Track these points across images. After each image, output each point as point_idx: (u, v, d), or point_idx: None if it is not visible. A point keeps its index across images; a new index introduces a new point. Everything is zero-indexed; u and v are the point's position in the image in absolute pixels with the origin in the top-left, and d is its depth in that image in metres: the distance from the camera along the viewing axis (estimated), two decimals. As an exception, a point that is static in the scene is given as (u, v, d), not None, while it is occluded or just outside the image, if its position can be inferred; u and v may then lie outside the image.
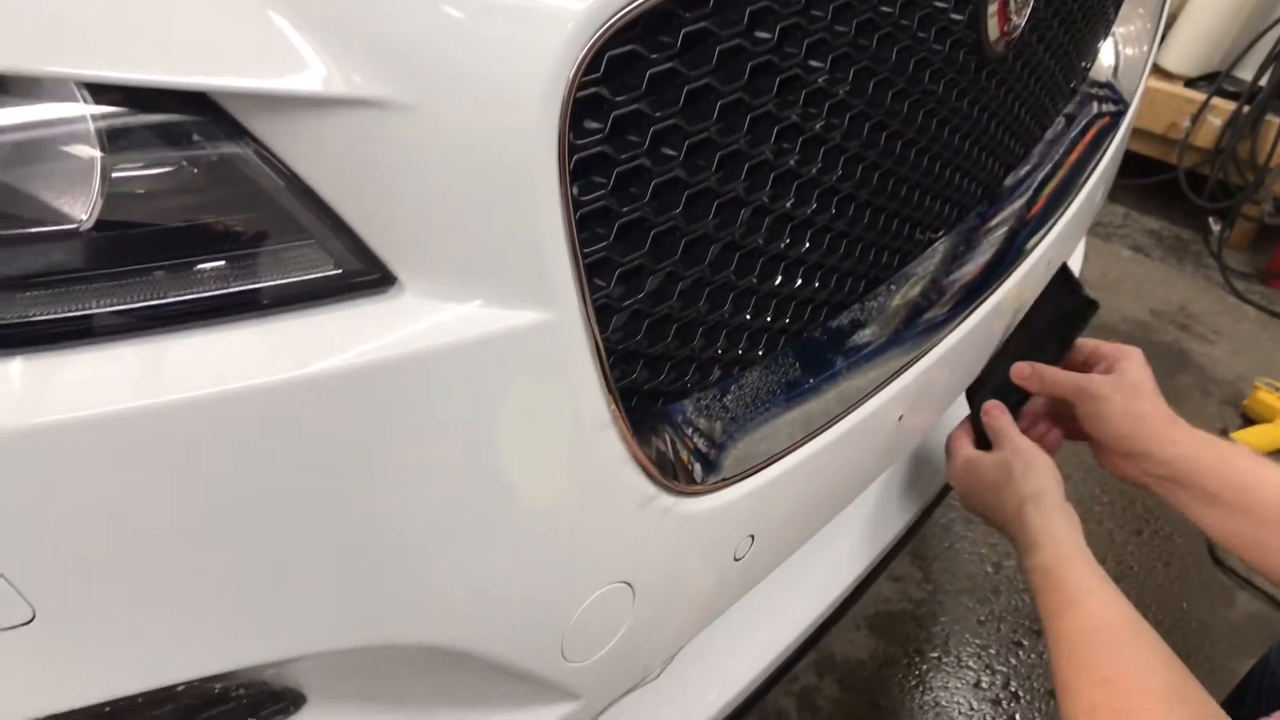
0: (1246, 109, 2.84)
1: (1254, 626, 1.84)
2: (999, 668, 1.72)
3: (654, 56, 0.60)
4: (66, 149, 0.49)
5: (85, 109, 0.49)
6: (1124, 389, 1.07)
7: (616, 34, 0.55)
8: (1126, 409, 1.05)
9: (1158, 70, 3.03)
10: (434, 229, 0.53)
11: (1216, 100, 2.91)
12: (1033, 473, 1.02)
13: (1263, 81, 2.83)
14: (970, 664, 1.72)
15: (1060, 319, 1.29)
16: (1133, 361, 1.11)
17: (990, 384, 1.18)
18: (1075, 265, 1.69)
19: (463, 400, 0.56)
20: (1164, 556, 1.97)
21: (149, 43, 0.48)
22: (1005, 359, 1.18)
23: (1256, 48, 2.87)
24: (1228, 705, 1.20)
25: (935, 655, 1.74)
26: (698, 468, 0.71)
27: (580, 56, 0.53)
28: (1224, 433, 2.23)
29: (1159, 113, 2.98)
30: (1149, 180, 3.11)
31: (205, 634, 0.54)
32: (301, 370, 0.51)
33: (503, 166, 0.53)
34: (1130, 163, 2.57)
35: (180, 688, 0.56)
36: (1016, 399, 1.19)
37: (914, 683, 1.69)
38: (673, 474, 0.69)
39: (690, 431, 0.72)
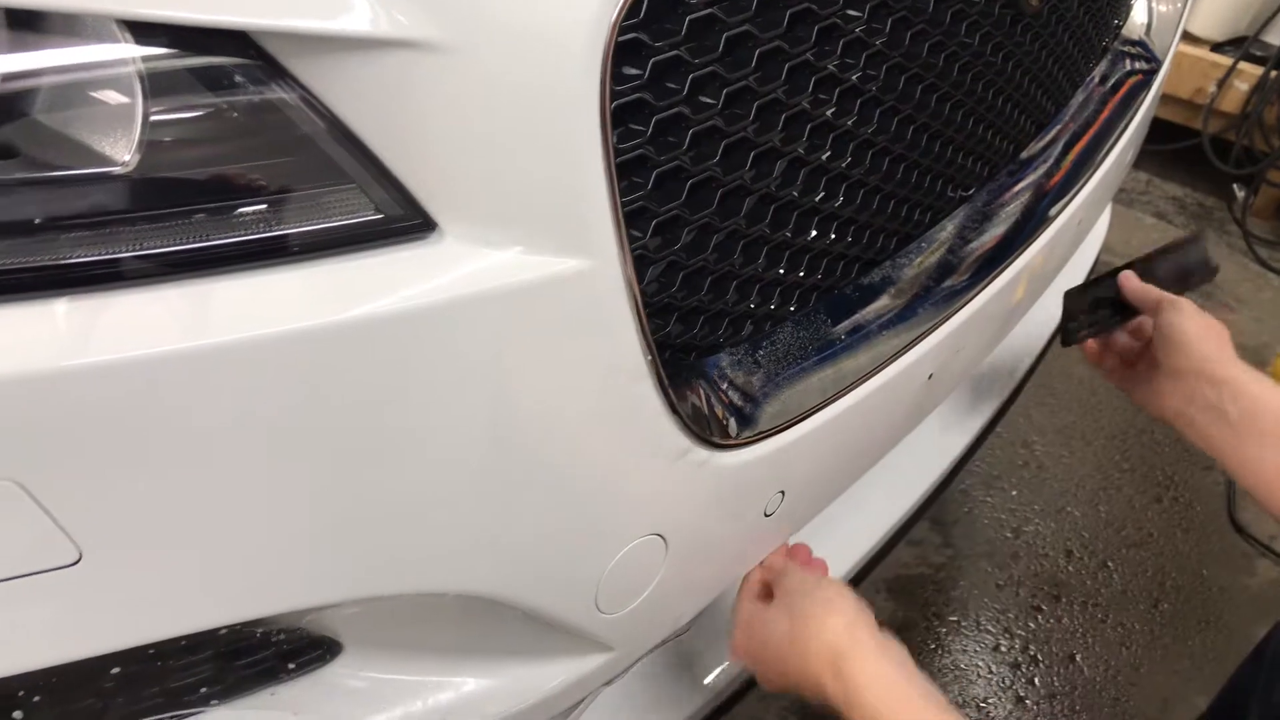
0: (1274, 74, 2.80)
1: (1274, 593, 1.84)
2: (1018, 632, 1.72)
3: (693, 1, 0.59)
4: (108, 91, 0.49)
5: (127, 50, 0.49)
6: (1201, 313, 1.03)
7: (658, -24, 0.55)
8: (1203, 323, 1.01)
9: (1184, 34, 2.99)
10: (474, 175, 0.53)
11: (1243, 65, 2.87)
12: (834, 609, 0.79)
13: (1291, 46, 2.78)
14: (989, 628, 1.73)
15: (1180, 272, 1.22)
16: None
17: (1093, 294, 1.15)
18: (1100, 230, 1.68)
19: (502, 347, 0.56)
20: (1184, 523, 1.97)
21: (191, -19, 0.47)
22: (1112, 277, 1.14)
23: (1285, 12, 2.83)
24: (1245, 666, 1.20)
25: (954, 619, 1.74)
26: (732, 422, 0.71)
27: (622, -1, 0.53)
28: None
29: (1184, 77, 2.94)
30: (1173, 146, 3.07)
31: (247, 578, 0.54)
32: (343, 314, 0.51)
33: (544, 111, 0.53)
34: (1154, 128, 2.54)
35: (222, 631, 0.56)
36: (1108, 316, 1.13)
37: (933, 646, 1.69)
38: (707, 427, 0.69)
39: (725, 385, 0.72)
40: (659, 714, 0.96)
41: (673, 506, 0.71)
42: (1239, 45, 2.93)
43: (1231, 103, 2.91)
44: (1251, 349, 2.46)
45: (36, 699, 0.54)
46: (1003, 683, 1.65)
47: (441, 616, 0.66)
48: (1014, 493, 2.00)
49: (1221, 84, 2.89)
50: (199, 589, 0.53)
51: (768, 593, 0.87)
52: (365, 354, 0.52)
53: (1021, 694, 1.63)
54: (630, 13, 0.55)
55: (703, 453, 0.69)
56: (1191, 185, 3.18)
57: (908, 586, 1.78)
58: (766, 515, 0.82)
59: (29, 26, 0.48)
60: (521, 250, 0.55)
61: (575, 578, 0.67)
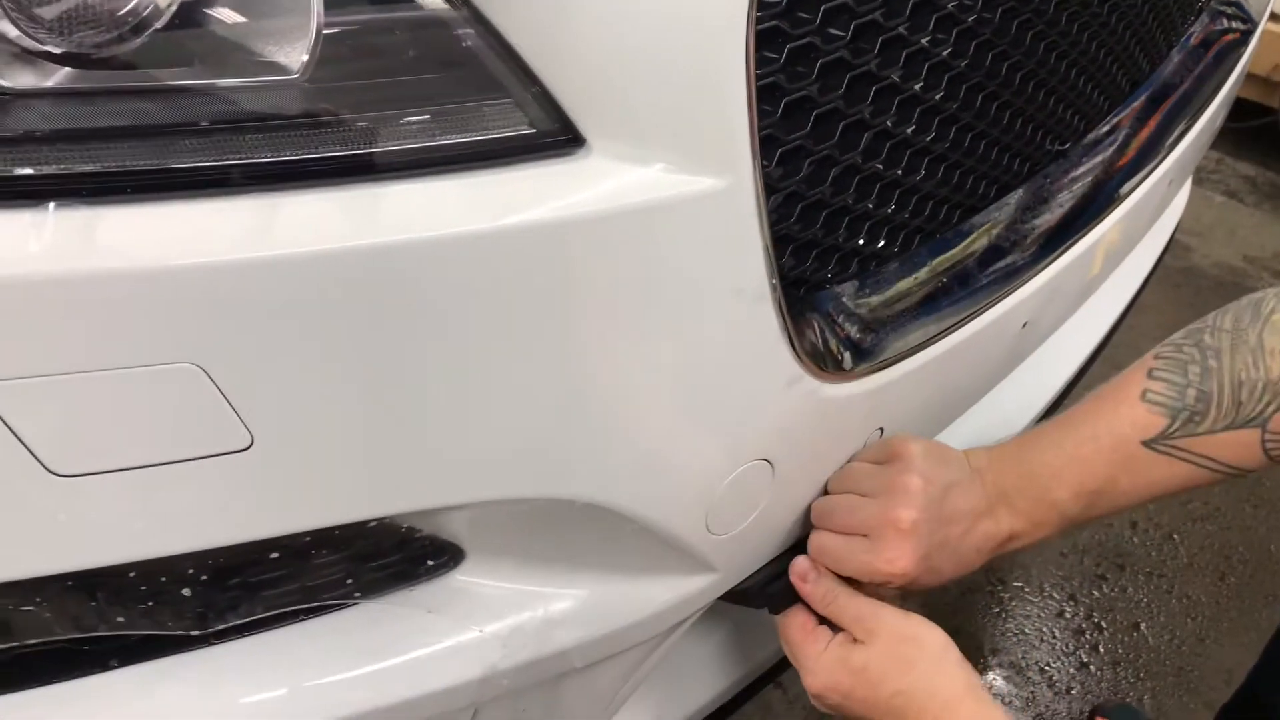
0: (1355, 51, 2.75)
1: (1344, 571, 1.83)
2: (1082, 599, 1.73)
3: (831, -67, 0.61)
4: (286, 3, 0.52)
5: (303, -37, 0.51)
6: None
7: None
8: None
9: (1262, 10, 2.93)
10: (624, 92, 0.55)
11: (1323, 41, 2.81)
12: (948, 661, 0.75)
13: (1374, 22, 2.72)
14: (1054, 595, 1.74)
15: None
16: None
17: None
18: (1180, 203, 1.66)
19: (640, 260, 0.58)
20: (1252, 499, 1.95)
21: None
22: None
23: (1369, -13, 2.76)
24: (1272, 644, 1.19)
25: (1018, 585, 1.75)
26: (847, 355, 0.73)
27: (772, -77, 0.54)
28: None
29: (1261, 53, 2.88)
30: (1246, 124, 3.02)
31: (400, 473, 0.57)
32: (497, 222, 0.53)
33: (696, 32, 0.55)
34: (1230, 104, 2.50)
35: (373, 524, 0.59)
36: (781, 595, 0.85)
37: (997, 610, 1.70)
38: (818, 357, 0.71)
39: (838, 317, 0.73)
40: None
41: (782, 433, 0.73)
42: (1319, 21, 2.87)
43: (1310, 80, 2.86)
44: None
45: (205, 578, 0.57)
46: (1066, 648, 1.66)
47: (562, 528, 0.69)
48: (1079, 464, 1.99)
49: (1300, 61, 2.84)
50: (356, 480, 0.56)
51: (824, 623, 0.81)
52: (515, 261, 0.55)
53: (1085, 659, 1.64)
54: (775, -60, 0.56)
55: (813, 382, 0.71)
56: (1265, 165, 3.13)
57: (972, 551, 1.79)
58: (864, 452, 0.84)
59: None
60: (664, 168, 0.57)
61: (691, 496, 0.69)
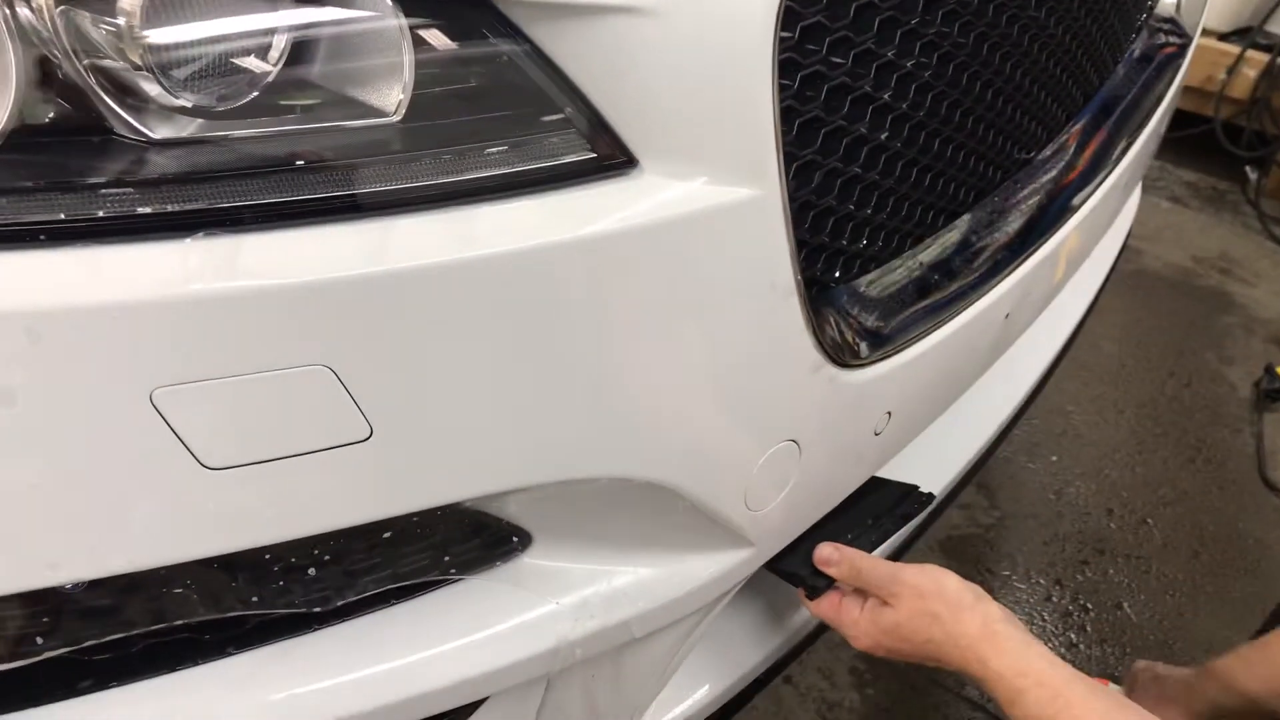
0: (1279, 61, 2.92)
1: (1308, 544, 1.95)
2: (1067, 583, 1.83)
3: (832, -24, 0.71)
4: (382, 53, 0.60)
5: (398, 19, 0.60)
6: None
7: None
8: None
9: (1192, 25, 3.11)
10: (671, 118, 0.64)
11: (1251, 53, 2.99)
12: (964, 605, 0.88)
13: (1295, 33, 2.91)
14: (1040, 580, 1.83)
15: (886, 507, 1.06)
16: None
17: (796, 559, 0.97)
18: (1132, 206, 1.79)
19: (688, 263, 0.67)
20: (1218, 481, 2.07)
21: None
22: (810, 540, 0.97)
23: (1289, 0, 2.95)
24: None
25: (1006, 573, 1.85)
26: (862, 345, 0.82)
27: (790, -30, 0.64)
28: (1269, 369, 2.32)
29: (1195, 65, 3.05)
30: (1185, 133, 3.19)
31: (494, 456, 0.65)
32: (572, 234, 0.62)
33: (730, 64, 0.64)
34: (1169, 114, 2.66)
35: (467, 504, 0.67)
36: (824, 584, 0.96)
37: (988, 598, 1.79)
38: (836, 346, 0.80)
39: (854, 310, 0.83)
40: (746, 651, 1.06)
41: (806, 416, 0.82)
42: (1246, 35, 3.05)
43: (1240, 89, 3.03)
44: (1272, 320, 2.57)
45: (327, 558, 0.65)
46: (1055, 629, 1.75)
47: (618, 509, 0.77)
48: (1054, 458, 2.10)
49: (1231, 71, 3.01)
50: (458, 464, 0.64)
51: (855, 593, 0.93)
52: (587, 267, 0.63)
53: (1074, 640, 1.74)
54: (788, -17, 0.66)
55: (832, 369, 0.80)
56: (1204, 170, 3.30)
57: (959, 545, 1.88)
58: (875, 434, 0.93)
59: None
60: (706, 181, 0.66)
61: (732, 474, 0.78)
